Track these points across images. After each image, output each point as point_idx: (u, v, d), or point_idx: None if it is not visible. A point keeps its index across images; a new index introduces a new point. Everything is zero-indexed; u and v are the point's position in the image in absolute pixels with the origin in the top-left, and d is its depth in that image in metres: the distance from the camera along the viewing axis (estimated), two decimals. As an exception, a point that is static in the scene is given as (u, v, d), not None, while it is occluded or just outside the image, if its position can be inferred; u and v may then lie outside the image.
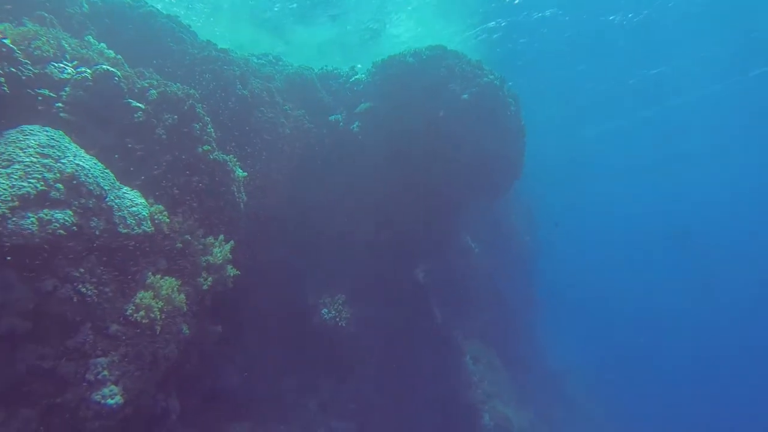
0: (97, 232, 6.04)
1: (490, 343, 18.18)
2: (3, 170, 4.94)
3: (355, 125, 13.24)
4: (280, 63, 14.96)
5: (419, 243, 14.02)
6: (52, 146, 5.61)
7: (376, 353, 12.52)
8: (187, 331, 6.99)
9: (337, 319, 11.35)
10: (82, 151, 6.33)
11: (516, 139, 14.60)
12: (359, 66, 15.63)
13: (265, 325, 10.47)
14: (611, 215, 57.64)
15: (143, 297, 6.22)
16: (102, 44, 8.12)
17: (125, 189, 6.82)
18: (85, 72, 6.94)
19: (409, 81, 13.41)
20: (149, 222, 6.81)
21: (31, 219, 5.07)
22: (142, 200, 6.97)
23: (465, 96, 13.04)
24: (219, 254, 7.46)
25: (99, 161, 6.58)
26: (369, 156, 12.93)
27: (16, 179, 4.98)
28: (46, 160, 5.42)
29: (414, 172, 12.95)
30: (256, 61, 14.20)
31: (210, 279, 7.35)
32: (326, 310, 11.29)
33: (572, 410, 23.24)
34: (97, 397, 5.36)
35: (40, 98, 6.06)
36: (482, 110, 13.09)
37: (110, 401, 5.41)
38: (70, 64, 6.77)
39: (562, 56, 21.54)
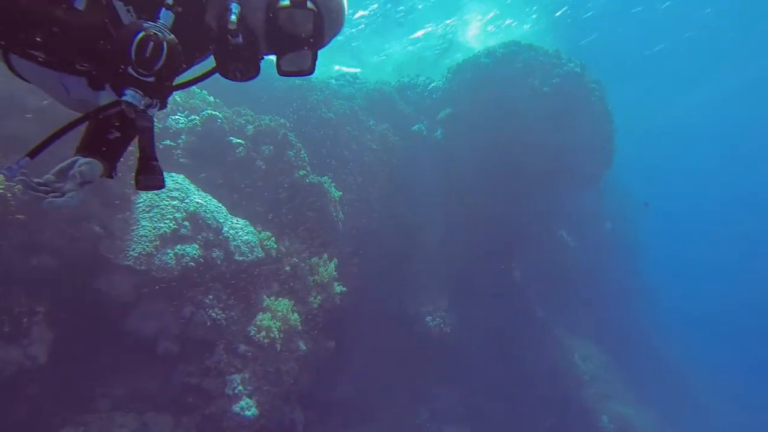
0: (218, 262, 6.70)
1: (597, 340, 17.27)
2: (146, 214, 5.71)
3: (438, 132, 13.38)
4: (358, 81, 15.53)
5: (513, 241, 13.78)
6: (178, 189, 6.34)
7: (482, 356, 12.44)
8: (304, 348, 7.48)
9: (442, 326, 11.45)
10: (200, 189, 7.08)
11: (603, 126, 13.91)
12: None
13: (372, 337, 10.84)
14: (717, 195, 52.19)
15: (262, 319, 6.78)
16: (204, 91, 9.00)
17: (236, 219, 7.49)
18: (195, 119, 7.77)
19: (486, 82, 13.32)
20: (260, 248, 7.41)
21: (170, 254, 5.78)
22: (251, 228, 7.60)
23: (545, 89, 12.72)
24: (325, 273, 7.91)
25: (212, 197, 7.32)
26: (455, 160, 12.98)
27: (156, 221, 5.72)
28: (174, 202, 6.14)
29: (501, 172, 12.79)
30: (334, 83, 14.86)
31: (319, 297, 7.82)
32: (430, 318, 11.43)
33: (702, 413, 21.22)
34: (236, 409, 5.93)
35: (178, 151, 6.90)
36: (564, 100, 12.68)
37: (248, 413, 5.97)
38: (182, 115, 7.61)
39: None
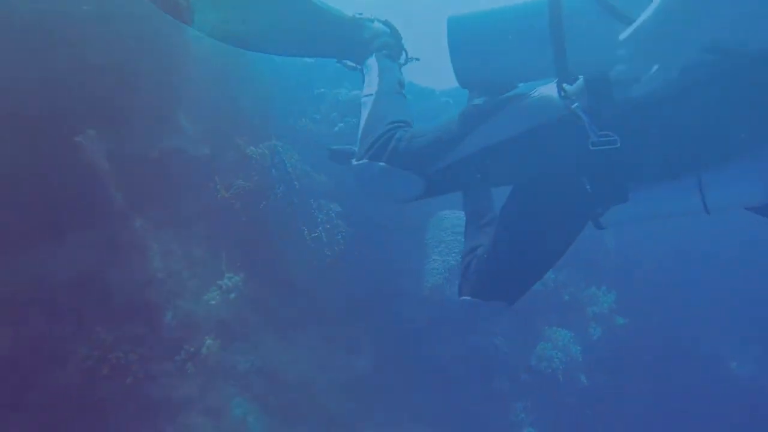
0: (498, 292, 7.05)
1: None
2: (436, 248, 6.51)
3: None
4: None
5: None
6: (460, 225, 6.96)
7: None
8: (585, 381, 7.19)
9: (757, 376, 9.41)
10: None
11: None
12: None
13: (654, 375, 9.64)
14: None
15: (544, 348, 6.82)
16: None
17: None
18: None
19: None
20: (537, 278, 7.48)
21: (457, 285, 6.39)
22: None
23: None
24: (605, 304, 7.50)
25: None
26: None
27: (444, 255, 6.45)
28: (458, 237, 6.76)
29: None
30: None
31: (599, 329, 7.44)
32: (736, 364, 9.51)
33: None
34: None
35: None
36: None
37: (532, 444, 6.07)
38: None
39: None
